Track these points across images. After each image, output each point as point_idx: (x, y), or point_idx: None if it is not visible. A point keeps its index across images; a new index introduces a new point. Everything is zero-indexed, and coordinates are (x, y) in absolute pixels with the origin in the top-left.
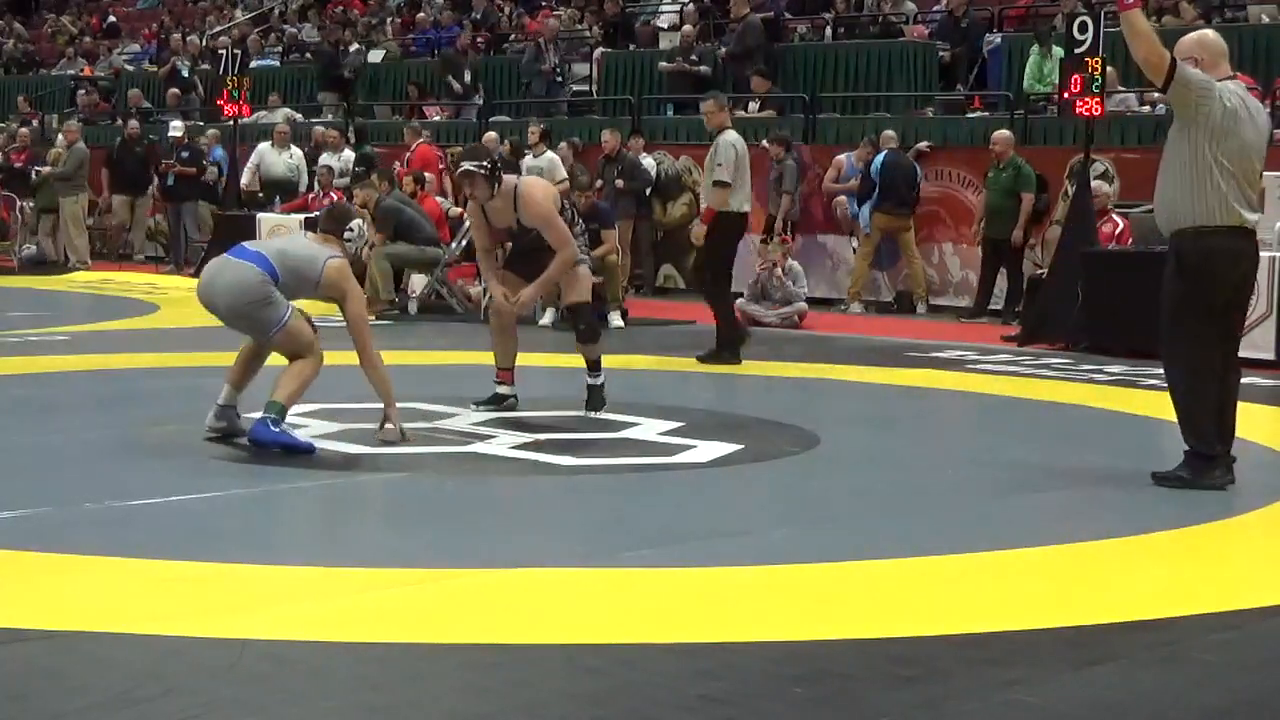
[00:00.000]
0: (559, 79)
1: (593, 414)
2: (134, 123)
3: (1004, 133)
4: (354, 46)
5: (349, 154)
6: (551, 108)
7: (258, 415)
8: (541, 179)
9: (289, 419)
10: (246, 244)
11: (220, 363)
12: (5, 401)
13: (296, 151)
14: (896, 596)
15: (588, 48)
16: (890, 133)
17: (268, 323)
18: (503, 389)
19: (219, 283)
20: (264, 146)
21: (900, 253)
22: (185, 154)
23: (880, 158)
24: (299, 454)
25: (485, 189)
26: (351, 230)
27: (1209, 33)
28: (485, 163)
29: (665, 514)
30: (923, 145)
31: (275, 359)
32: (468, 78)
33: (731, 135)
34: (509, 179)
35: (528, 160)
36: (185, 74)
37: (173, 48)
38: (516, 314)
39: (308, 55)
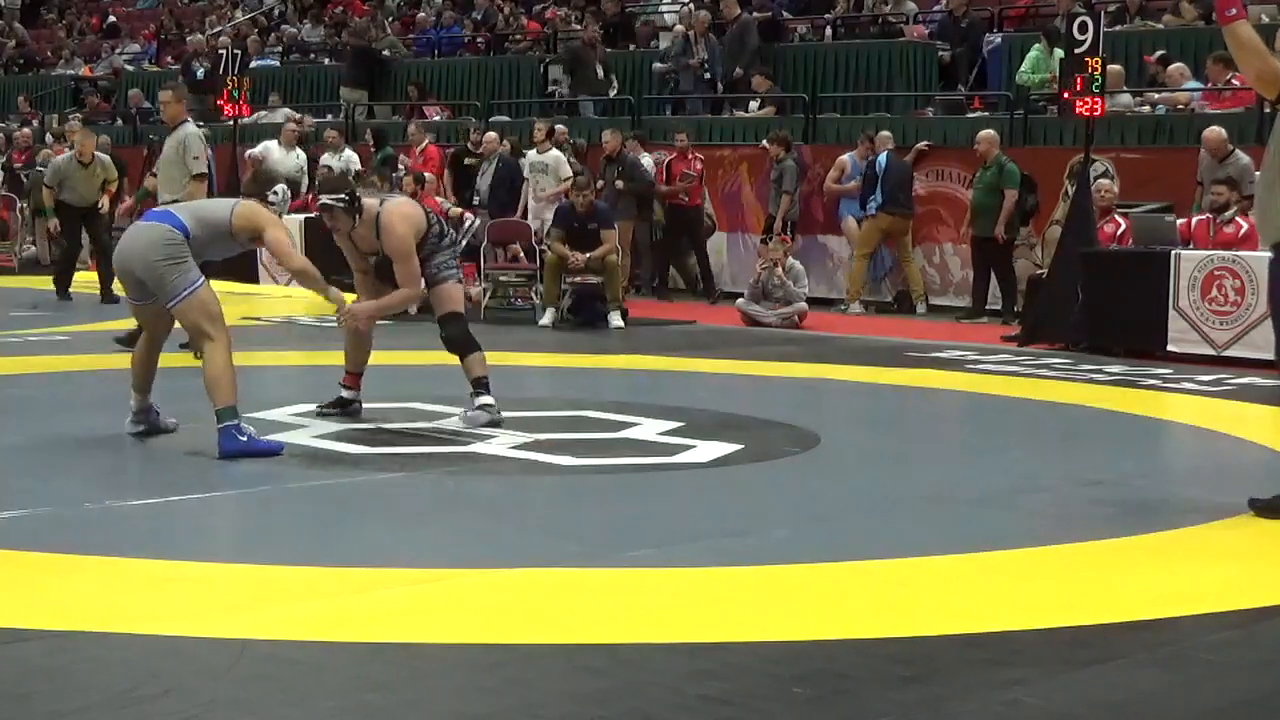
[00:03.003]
0: (706, 74)
1: (470, 424)
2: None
3: (988, 132)
4: (387, 37)
5: (350, 154)
6: (547, 108)
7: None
8: (409, 203)
9: (275, 416)
10: (155, 208)
11: None
12: (5, 401)
13: (300, 152)
14: (896, 596)
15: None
16: (886, 133)
17: (175, 288)
18: (346, 393)
19: (133, 246)
20: (271, 144)
21: (896, 255)
22: None
23: (884, 158)
24: (262, 455)
25: (346, 220)
26: (276, 194)
27: None
28: (344, 195)
29: (665, 514)
30: (921, 145)
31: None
32: (600, 72)
33: (194, 127)
34: (370, 204)
35: (531, 156)
36: (200, 75)
37: (194, 48)
38: (369, 325)
39: (312, 56)
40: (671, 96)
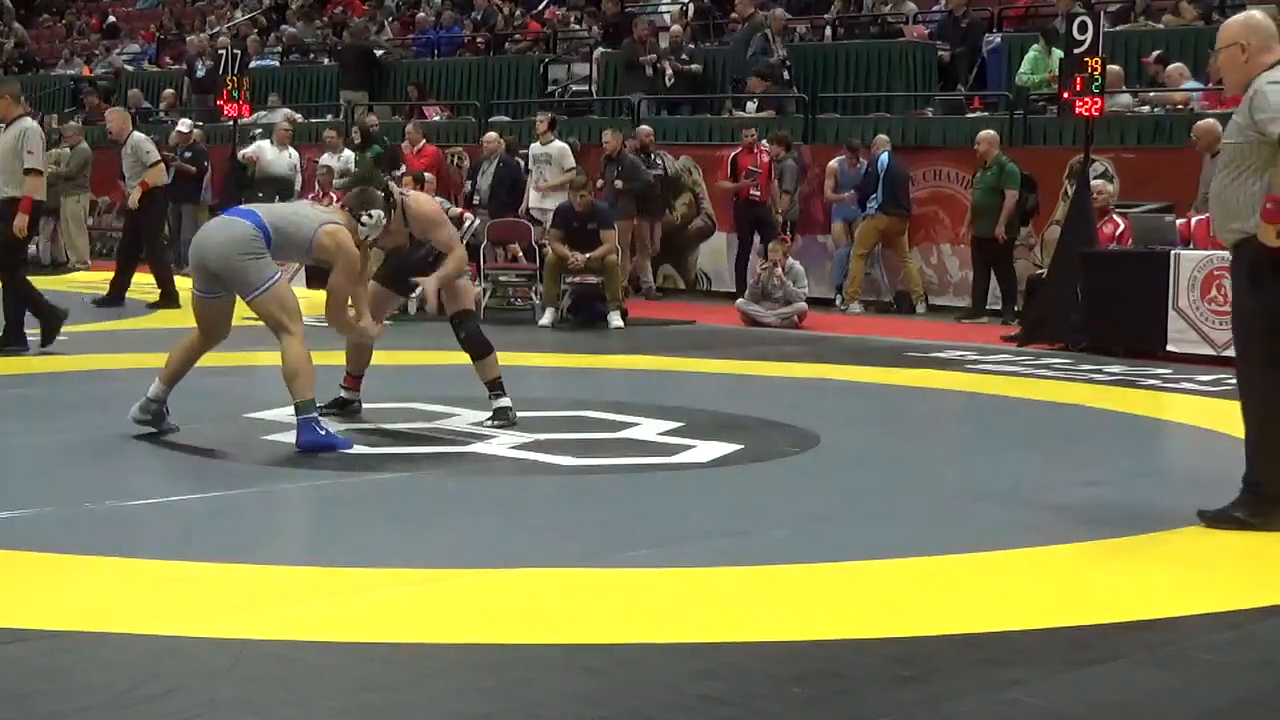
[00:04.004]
0: (787, 75)
1: (499, 424)
2: (186, 122)
3: (988, 132)
4: (385, 36)
5: (348, 154)
6: (549, 106)
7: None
8: (424, 195)
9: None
10: (240, 206)
11: (220, 363)
12: (5, 401)
13: (294, 151)
14: (896, 596)
15: (587, 48)
16: (883, 136)
17: (254, 282)
18: (346, 394)
19: (211, 240)
20: (264, 144)
21: (894, 256)
22: (188, 154)
23: (885, 157)
24: (335, 450)
25: (389, 223)
26: (370, 218)
27: (1255, 14)
28: (379, 211)
29: (665, 514)
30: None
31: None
32: (651, 70)
33: (31, 122)
34: (395, 196)
35: (534, 148)
36: (201, 74)
37: (197, 48)
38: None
39: (312, 57)
40: (669, 97)
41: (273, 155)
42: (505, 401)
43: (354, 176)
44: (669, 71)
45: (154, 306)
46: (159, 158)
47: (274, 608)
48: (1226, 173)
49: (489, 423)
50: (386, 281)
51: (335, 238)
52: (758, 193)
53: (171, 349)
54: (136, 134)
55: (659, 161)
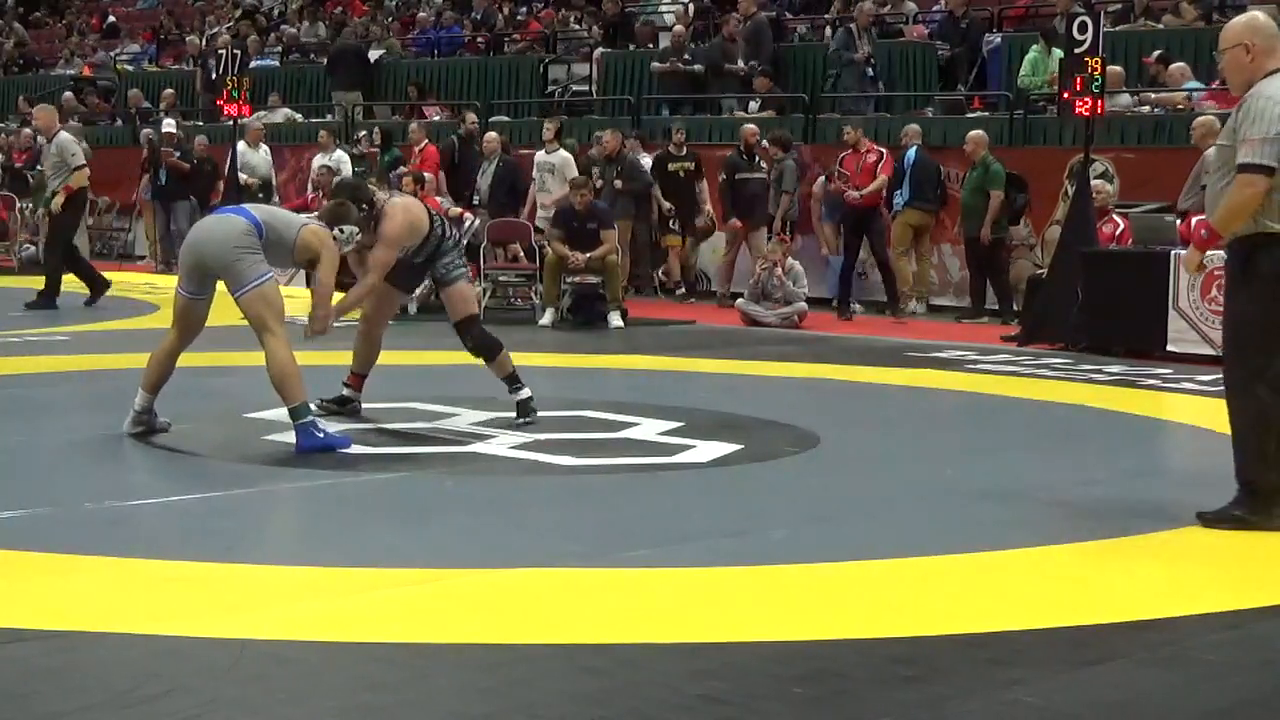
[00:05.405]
0: (871, 71)
1: (524, 421)
2: (170, 122)
3: (975, 133)
4: (384, 39)
5: (340, 154)
6: (549, 107)
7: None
8: (417, 203)
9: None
10: (229, 206)
11: (220, 362)
12: (5, 401)
13: (266, 149)
14: (896, 596)
15: (587, 48)
16: (915, 126)
17: (246, 277)
18: (348, 392)
19: (208, 235)
20: (241, 147)
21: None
22: (179, 153)
23: (911, 153)
24: (334, 450)
25: (368, 238)
26: (342, 232)
27: (1258, 15)
28: (355, 229)
29: (665, 514)
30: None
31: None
32: (740, 64)
33: None
34: (380, 196)
35: (539, 157)
36: (215, 75)
37: (217, 46)
38: (383, 326)
39: (312, 57)
40: (669, 97)
41: (255, 159)
42: (526, 393)
43: (337, 186)
44: (744, 68)
45: (30, 307)
46: (84, 162)
47: (273, 608)
48: (1219, 174)
49: (517, 421)
50: (391, 279)
51: (318, 235)
52: (858, 196)
53: (150, 356)
54: (64, 134)
55: (761, 164)
